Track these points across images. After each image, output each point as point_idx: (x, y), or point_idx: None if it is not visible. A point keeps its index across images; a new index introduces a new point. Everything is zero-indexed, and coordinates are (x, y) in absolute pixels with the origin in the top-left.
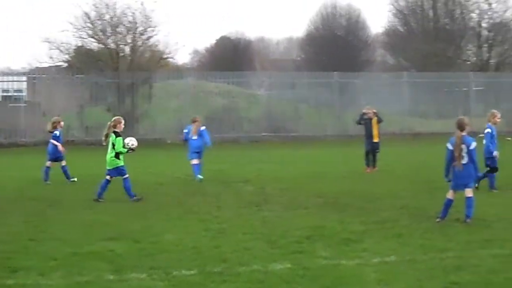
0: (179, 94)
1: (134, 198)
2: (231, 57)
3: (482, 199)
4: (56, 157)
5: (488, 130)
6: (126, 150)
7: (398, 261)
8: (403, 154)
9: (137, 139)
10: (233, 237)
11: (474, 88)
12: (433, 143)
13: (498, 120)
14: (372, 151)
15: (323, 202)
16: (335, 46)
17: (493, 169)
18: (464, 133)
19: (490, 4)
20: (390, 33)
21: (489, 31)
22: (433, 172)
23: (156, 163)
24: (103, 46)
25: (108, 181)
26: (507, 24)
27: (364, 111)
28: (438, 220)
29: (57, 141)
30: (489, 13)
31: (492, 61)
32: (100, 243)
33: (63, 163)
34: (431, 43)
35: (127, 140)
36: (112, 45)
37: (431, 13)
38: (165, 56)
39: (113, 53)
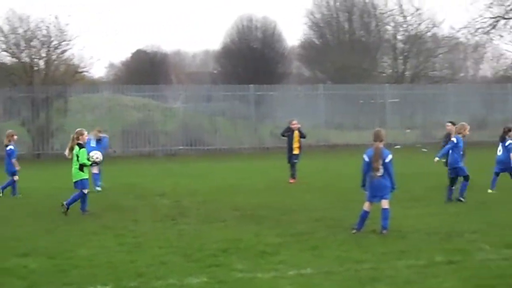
0: (94, 108)
1: (66, 208)
2: (147, 70)
3: (398, 211)
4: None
5: (454, 139)
6: (89, 162)
7: (314, 273)
8: (319, 166)
9: (51, 154)
10: (149, 251)
11: (389, 100)
12: (349, 154)
13: (468, 132)
14: (291, 162)
15: (239, 215)
16: (251, 59)
17: (465, 177)
18: (381, 145)
19: (405, 17)
20: (306, 45)
21: (404, 44)
22: (348, 183)
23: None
24: (16, 60)
25: (83, 194)
26: (422, 37)
27: (290, 125)
28: (354, 231)
29: (13, 157)
30: (404, 25)
31: (407, 73)
32: (14, 259)
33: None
34: (346, 55)
35: (92, 153)
36: (26, 59)
37: (346, 25)
38: (80, 70)
39: (27, 67)
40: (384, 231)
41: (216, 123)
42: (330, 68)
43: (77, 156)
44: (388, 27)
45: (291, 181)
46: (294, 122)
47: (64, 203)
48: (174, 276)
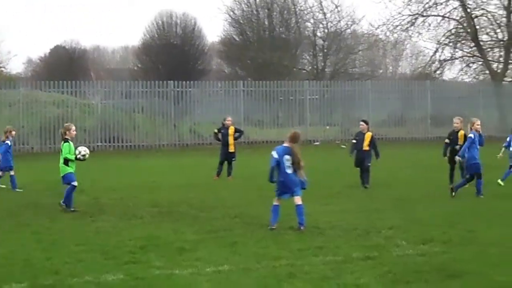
0: (11, 104)
1: (72, 209)
2: (66, 66)
3: (316, 207)
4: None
5: (471, 135)
6: (73, 156)
7: (232, 270)
8: (239, 163)
9: None
10: (65, 248)
11: (309, 97)
12: (268, 151)
13: (478, 126)
14: (228, 160)
15: (158, 212)
16: (171, 55)
17: (478, 175)
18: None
19: (324, 13)
20: (226, 42)
21: (324, 40)
22: (266, 180)
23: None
24: None
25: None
26: (342, 34)
27: (224, 122)
28: (270, 228)
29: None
30: (323, 22)
31: (327, 70)
32: None
33: (12, 172)
34: (267, 52)
35: (80, 148)
36: None
37: (266, 22)
38: None
39: None
40: (302, 227)
41: (135, 120)
42: (250, 65)
43: (62, 151)
44: (308, 24)
45: (216, 178)
46: (229, 119)
47: (61, 202)
48: (90, 273)
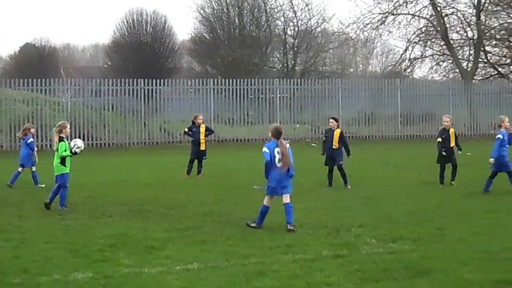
0: None
1: (65, 208)
2: (36, 64)
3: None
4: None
5: (499, 136)
6: (68, 153)
7: (201, 268)
8: (208, 161)
9: None
10: (34, 247)
11: (279, 95)
12: (238, 149)
13: (508, 124)
14: (199, 158)
15: (127, 210)
16: (141, 53)
17: (509, 173)
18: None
19: (295, 12)
20: (197, 40)
21: (294, 39)
22: (237, 178)
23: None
24: None
25: (59, 187)
26: (312, 32)
27: (195, 121)
28: (248, 223)
29: (31, 147)
30: (294, 21)
31: (297, 68)
32: None
33: (33, 168)
34: (237, 50)
35: (72, 143)
36: None
37: (237, 20)
38: None
39: None
40: (290, 226)
41: (105, 118)
42: (221, 63)
43: (58, 150)
44: (279, 22)
45: (186, 176)
46: (200, 117)
47: (59, 207)
48: (59, 272)
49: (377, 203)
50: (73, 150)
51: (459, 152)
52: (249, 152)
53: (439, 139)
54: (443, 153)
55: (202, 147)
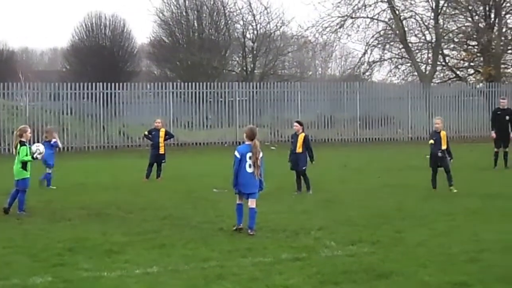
0: None
1: (24, 213)
2: None
3: (245, 209)
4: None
5: None
6: (30, 158)
7: (160, 271)
8: (167, 165)
9: None
10: None
11: (238, 99)
12: (197, 153)
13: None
14: (158, 162)
15: (86, 214)
16: (100, 57)
17: None
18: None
19: (254, 15)
20: (156, 43)
21: (253, 42)
22: (196, 182)
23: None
24: None
25: (17, 192)
26: (271, 35)
27: (155, 124)
28: (236, 228)
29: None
30: (253, 24)
31: (256, 71)
32: None
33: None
34: (196, 54)
35: (34, 147)
36: None
37: (196, 24)
38: None
39: None
40: (251, 232)
41: (63, 122)
42: (180, 67)
43: (19, 154)
44: (238, 26)
45: (145, 180)
46: (158, 121)
47: (18, 212)
48: (18, 276)
49: (337, 206)
50: (34, 156)
51: (450, 160)
52: (208, 156)
53: (431, 141)
54: (439, 153)
55: (161, 151)
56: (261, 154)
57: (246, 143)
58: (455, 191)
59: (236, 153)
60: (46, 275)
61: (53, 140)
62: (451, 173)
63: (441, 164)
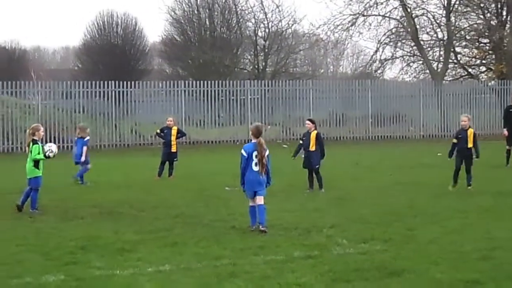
0: None
1: (36, 211)
2: (5, 67)
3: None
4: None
5: None
6: (42, 156)
7: (173, 269)
8: (180, 163)
9: None
10: (5, 250)
11: (250, 97)
12: (209, 151)
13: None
14: (170, 160)
15: (98, 212)
16: (112, 55)
17: None
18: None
19: (266, 13)
20: (167, 42)
21: (265, 40)
22: (208, 180)
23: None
24: None
25: (31, 190)
26: (283, 33)
27: (167, 122)
28: (250, 228)
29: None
30: (265, 22)
31: (268, 69)
32: None
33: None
34: (208, 52)
35: (47, 147)
36: None
37: (208, 22)
38: None
39: None
40: (263, 227)
41: (75, 120)
42: (192, 65)
43: (31, 152)
44: (249, 24)
45: (157, 178)
46: (170, 119)
47: (30, 210)
48: (30, 275)
49: (349, 204)
50: (46, 154)
51: (476, 158)
52: (220, 154)
53: (455, 140)
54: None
55: (173, 149)
56: (267, 152)
57: (253, 141)
58: (469, 188)
59: (243, 152)
60: (58, 273)
61: (86, 137)
62: (471, 173)
63: (465, 162)
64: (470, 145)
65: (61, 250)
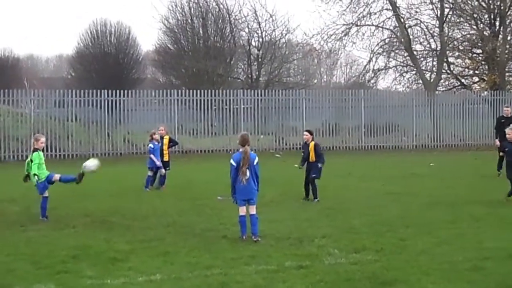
0: None
1: (45, 219)
2: None
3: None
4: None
5: None
6: (35, 171)
7: (164, 279)
8: (172, 172)
9: None
10: None
11: (243, 106)
12: (202, 160)
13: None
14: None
15: (90, 221)
16: (105, 64)
17: None
18: (249, 148)
19: (259, 23)
20: (161, 51)
21: (258, 50)
22: (200, 189)
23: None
24: None
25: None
26: (276, 43)
27: (158, 131)
28: (243, 238)
29: (151, 153)
30: (258, 32)
31: (261, 79)
32: None
33: (162, 171)
34: (201, 61)
35: (88, 164)
36: None
37: (201, 31)
38: None
39: None
40: (255, 238)
41: (68, 129)
42: (185, 74)
43: (32, 161)
44: (243, 33)
45: (163, 188)
46: (161, 128)
47: (40, 218)
48: (21, 284)
49: (340, 213)
50: (85, 169)
51: None
52: (213, 163)
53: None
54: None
55: (166, 158)
56: (256, 160)
57: (240, 150)
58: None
59: (232, 162)
60: (49, 282)
61: (149, 145)
62: None
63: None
64: None
65: (53, 259)
